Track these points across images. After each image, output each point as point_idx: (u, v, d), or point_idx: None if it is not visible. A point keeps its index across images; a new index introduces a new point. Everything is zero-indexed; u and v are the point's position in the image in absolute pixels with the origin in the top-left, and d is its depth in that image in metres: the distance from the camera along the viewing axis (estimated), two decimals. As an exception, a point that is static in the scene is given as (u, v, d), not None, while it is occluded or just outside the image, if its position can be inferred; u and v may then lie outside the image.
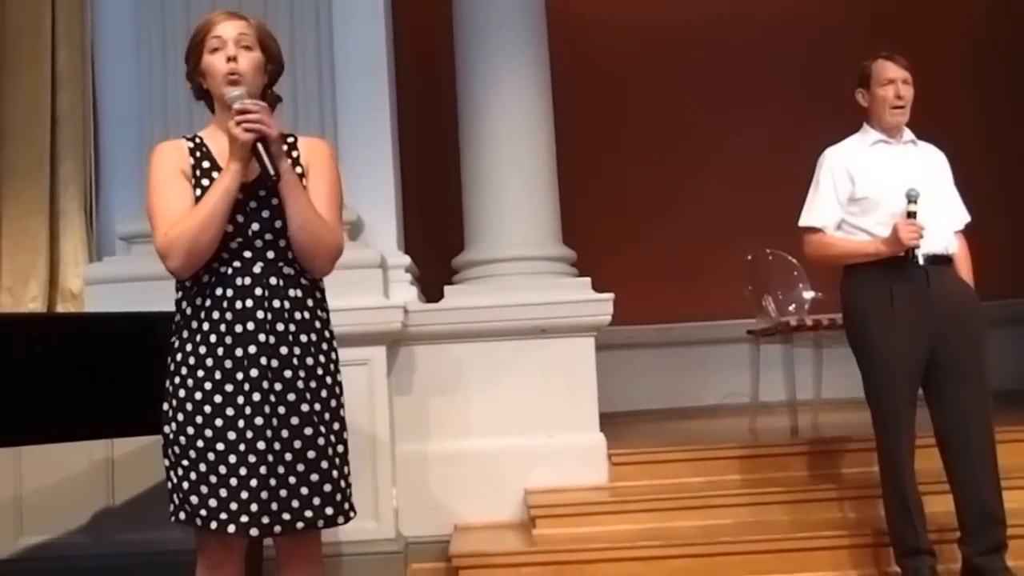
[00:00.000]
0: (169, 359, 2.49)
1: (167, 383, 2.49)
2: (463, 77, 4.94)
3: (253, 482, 2.37)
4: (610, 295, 4.50)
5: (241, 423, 2.39)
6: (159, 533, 4.06)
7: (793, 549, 3.84)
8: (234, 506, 2.36)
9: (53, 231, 4.70)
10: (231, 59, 2.47)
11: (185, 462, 2.41)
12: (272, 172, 2.39)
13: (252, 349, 2.42)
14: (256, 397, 2.40)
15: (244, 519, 2.36)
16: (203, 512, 2.38)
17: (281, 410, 2.42)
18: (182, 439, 2.42)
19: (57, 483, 4.35)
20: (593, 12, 7.02)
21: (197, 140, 2.58)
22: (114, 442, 4.24)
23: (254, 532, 2.38)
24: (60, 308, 4.66)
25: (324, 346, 2.54)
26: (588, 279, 4.66)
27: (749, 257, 5.66)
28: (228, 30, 2.50)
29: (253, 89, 2.50)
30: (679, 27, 7.06)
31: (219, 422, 2.39)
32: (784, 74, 7.04)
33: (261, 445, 2.39)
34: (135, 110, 4.59)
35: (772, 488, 4.21)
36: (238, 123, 2.38)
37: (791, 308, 5.49)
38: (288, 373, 2.44)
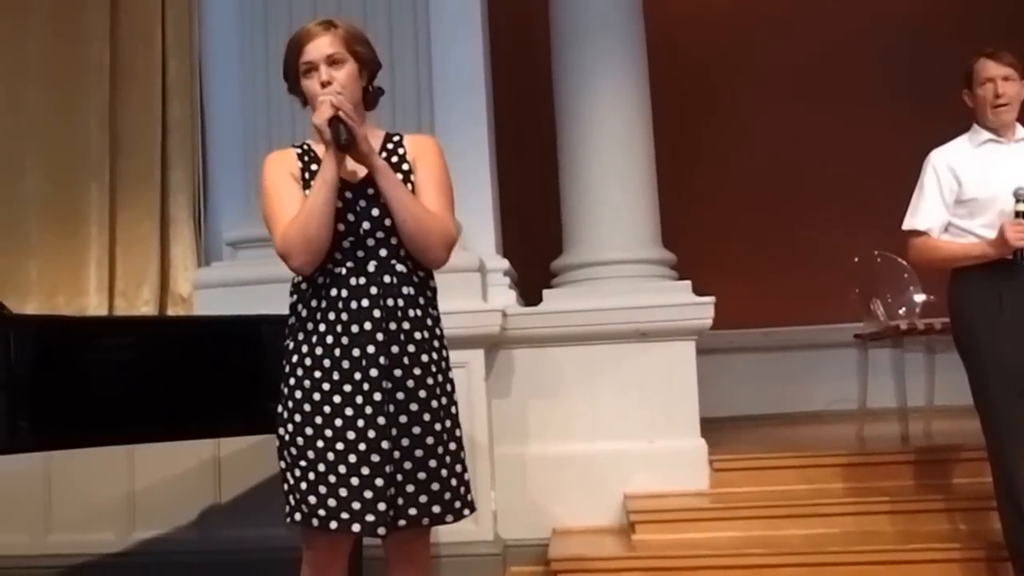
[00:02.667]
0: (284, 361, 2.52)
1: (282, 385, 2.51)
2: (560, 79, 4.94)
3: (378, 481, 2.38)
4: (711, 298, 4.44)
5: (361, 423, 2.40)
6: (263, 531, 4.16)
7: (902, 561, 3.72)
8: (356, 505, 2.38)
9: (164, 237, 4.85)
10: (324, 83, 2.49)
11: (303, 463, 2.43)
12: (343, 138, 2.41)
13: (371, 349, 2.43)
14: (377, 397, 2.42)
15: (369, 518, 2.37)
16: (321, 512, 2.40)
17: (392, 408, 2.43)
18: (299, 440, 2.44)
19: (168, 481, 4.48)
20: (691, 7, 6.95)
21: (305, 146, 2.62)
22: (221, 442, 4.35)
23: (382, 531, 2.39)
24: (170, 311, 4.81)
25: (436, 343, 2.55)
26: (688, 282, 4.61)
27: (856, 259, 5.52)
28: (315, 53, 2.52)
29: (353, 97, 2.52)
30: (782, 21, 6.94)
31: (338, 422, 2.41)
32: (893, 69, 6.86)
33: (385, 444, 2.40)
34: (240, 119, 4.71)
35: (880, 497, 4.10)
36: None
37: (901, 312, 5.34)
38: (399, 372, 2.45)
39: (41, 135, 4.93)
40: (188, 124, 4.86)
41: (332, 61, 2.52)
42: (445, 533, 4.01)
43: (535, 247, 5.07)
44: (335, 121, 2.42)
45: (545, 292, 4.69)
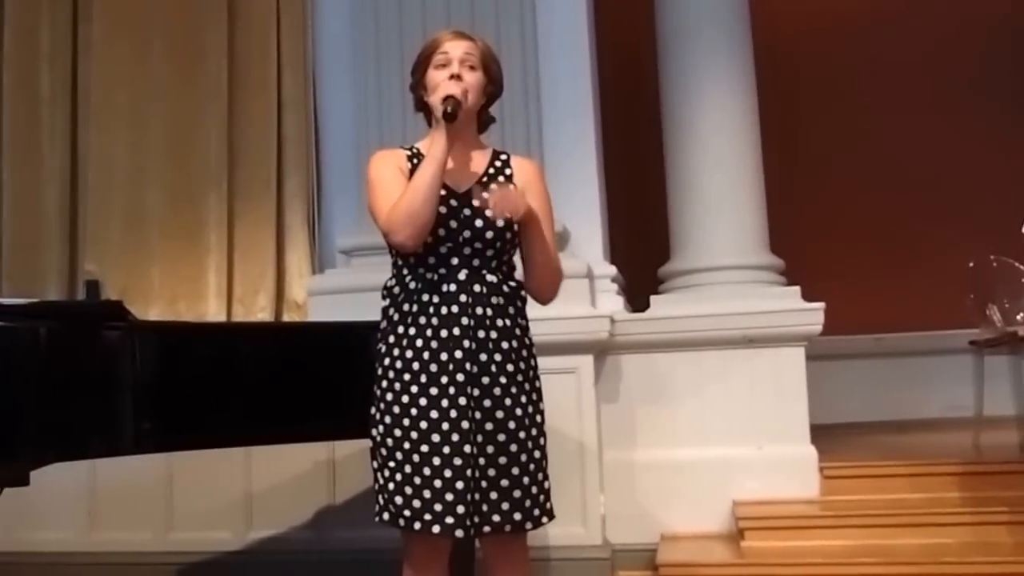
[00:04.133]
0: (376, 364, 2.58)
1: (375, 387, 2.57)
2: (666, 84, 4.94)
3: (459, 484, 2.42)
4: (820, 304, 4.38)
5: (446, 426, 2.45)
6: (376, 532, 4.19)
7: (1021, 574, 3.62)
8: (438, 508, 2.42)
9: (280, 245, 4.98)
10: (455, 76, 2.56)
11: (391, 464, 2.49)
12: (451, 108, 2.46)
13: (458, 354, 2.48)
14: (462, 401, 2.46)
15: (449, 520, 2.41)
16: (407, 513, 2.45)
17: (478, 415, 2.47)
18: (389, 441, 2.50)
19: (284, 482, 4.60)
20: (798, 10, 6.86)
21: (414, 149, 2.68)
22: (335, 444, 4.45)
23: (459, 533, 2.43)
24: (286, 317, 4.92)
25: (524, 353, 2.58)
26: (797, 288, 4.56)
27: (971, 264, 5.38)
28: (455, 49, 2.60)
29: (472, 107, 2.58)
30: (891, 22, 6.80)
31: (424, 425, 2.46)
32: (1007, 68, 6.66)
33: (468, 449, 2.44)
34: (352, 130, 4.81)
35: (997, 508, 3.98)
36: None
37: (1019, 317, 5.18)
38: (486, 379, 2.49)
39: (164, 148, 5.11)
40: (303, 135, 4.99)
41: (467, 64, 2.59)
42: (554, 537, 4.06)
43: (642, 253, 5.07)
44: (449, 99, 2.48)
45: (653, 298, 4.68)
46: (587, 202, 4.55)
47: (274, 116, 5.01)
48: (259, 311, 4.93)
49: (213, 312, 4.93)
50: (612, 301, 4.54)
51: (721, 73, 4.78)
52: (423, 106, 2.68)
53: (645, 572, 4.22)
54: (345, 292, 4.44)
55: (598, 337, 4.32)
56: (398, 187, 2.54)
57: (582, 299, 4.35)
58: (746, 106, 4.83)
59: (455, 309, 2.51)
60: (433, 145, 2.51)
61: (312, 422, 3.22)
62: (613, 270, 4.61)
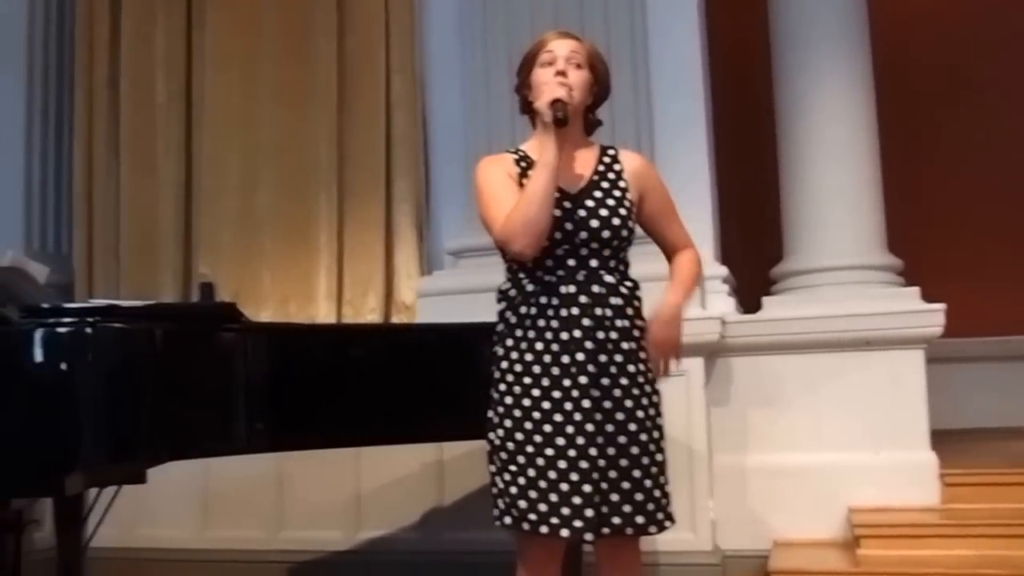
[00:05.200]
0: (493, 367, 2.57)
1: (492, 391, 2.55)
2: (779, 82, 4.82)
3: (586, 487, 2.40)
4: (941, 305, 4.23)
5: (570, 429, 2.42)
6: (484, 534, 4.21)
7: None
8: (566, 511, 2.39)
9: (389, 246, 5.02)
10: (560, 73, 2.53)
11: (513, 467, 2.46)
12: (560, 113, 2.44)
13: (580, 356, 2.45)
14: (586, 404, 2.43)
15: (577, 523, 2.39)
16: (532, 516, 2.42)
17: (599, 417, 2.44)
18: (509, 445, 2.48)
19: (392, 483, 4.63)
20: (921, 6, 6.63)
21: (520, 152, 2.66)
22: (444, 446, 4.46)
23: (589, 536, 2.40)
24: (395, 319, 4.96)
25: (642, 354, 2.54)
26: (916, 288, 4.40)
27: (1104, 264, 5.14)
28: (561, 47, 2.57)
29: (578, 105, 2.55)
30: (1016, 15, 6.52)
31: (547, 428, 2.44)
32: None
33: (593, 451, 2.41)
34: (461, 131, 4.83)
35: None
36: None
37: None
38: (606, 381, 2.46)
39: (274, 151, 5.20)
40: (411, 137, 5.03)
41: (574, 63, 2.56)
42: (663, 542, 3.99)
43: (754, 253, 4.96)
44: (557, 102, 2.46)
45: (765, 299, 4.58)
46: (697, 202, 4.47)
47: (383, 119, 5.06)
48: (368, 312, 4.98)
49: (323, 313, 5.00)
50: (723, 302, 4.45)
51: (837, 67, 4.65)
52: (529, 108, 2.65)
53: (757, 579, 4.15)
54: (453, 293, 4.47)
55: (708, 339, 4.25)
56: (509, 194, 2.52)
57: (692, 300, 4.26)
58: (863, 101, 4.68)
59: (575, 311, 2.48)
60: (544, 151, 2.47)
61: (421, 423, 3.23)
62: (724, 271, 4.52)
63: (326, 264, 5.05)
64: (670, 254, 2.70)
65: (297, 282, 5.11)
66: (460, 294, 4.38)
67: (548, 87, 2.50)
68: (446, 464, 4.55)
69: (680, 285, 2.64)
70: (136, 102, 5.46)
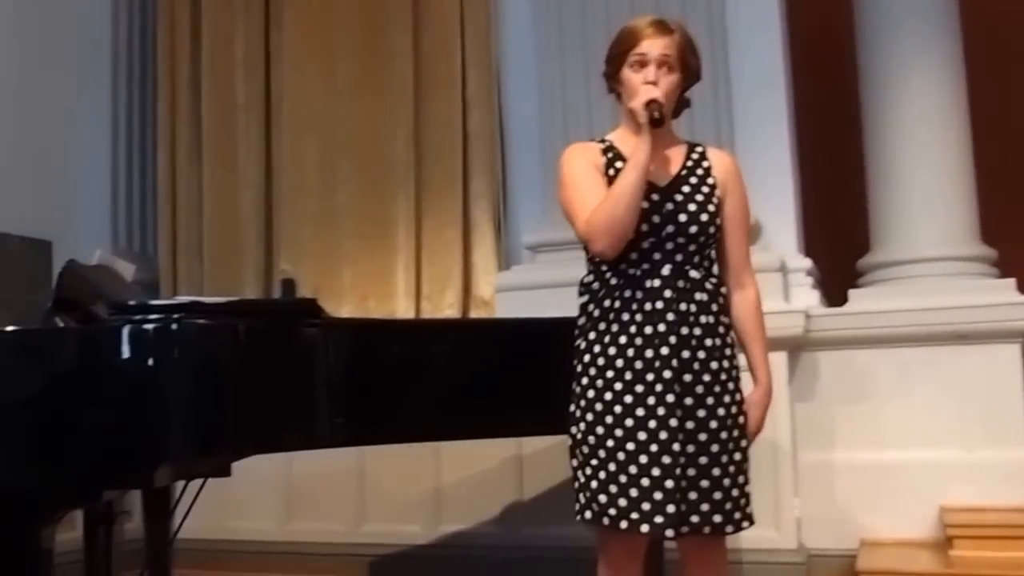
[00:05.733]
0: (575, 361, 2.54)
1: (574, 385, 2.53)
2: (865, 69, 4.70)
3: (668, 483, 2.36)
4: (1038, 297, 4.11)
5: (653, 424, 2.39)
6: (564, 529, 4.19)
7: None
8: (646, 506, 2.37)
9: (466, 242, 5.03)
10: (650, 83, 2.49)
11: (594, 462, 2.44)
12: (656, 114, 2.42)
13: (664, 351, 2.42)
14: (670, 399, 2.40)
15: (658, 520, 2.36)
16: (612, 512, 2.40)
17: (680, 413, 2.41)
18: (591, 439, 2.45)
19: (472, 477, 4.64)
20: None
21: (607, 142, 2.63)
22: (523, 441, 4.45)
23: (670, 533, 2.37)
24: (473, 314, 4.97)
25: (726, 351, 2.51)
26: (1012, 280, 4.27)
27: None
28: (653, 49, 2.51)
29: (668, 109, 2.51)
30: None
31: (629, 423, 2.41)
32: None
33: (676, 447, 2.38)
34: (537, 127, 4.82)
35: None
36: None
37: None
38: (688, 377, 2.43)
39: (353, 148, 5.25)
40: (488, 133, 5.03)
41: (664, 63, 2.51)
42: (747, 540, 3.90)
43: (839, 245, 4.84)
44: (653, 103, 2.43)
45: (851, 292, 4.48)
46: (780, 193, 4.40)
47: (459, 115, 5.07)
48: (447, 308, 4.99)
49: (401, 309, 5.03)
50: (807, 295, 4.36)
51: (926, 53, 4.52)
52: (616, 90, 2.62)
53: (843, 579, 4.06)
54: (532, 288, 4.45)
55: (792, 333, 4.17)
56: (594, 186, 2.50)
57: (775, 293, 4.19)
58: (954, 89, 4.55)
59: (659, 305, 2.45)
60: (636, 151, 2.44)
61: (500, 418, 3.21)
62: (808, 263, 4.43)
63: (404, 260, 5.08)
64: (724, 267, 2.61)
65: (376, 278, 5.15)
66: (538, 289, 4.36)
67: (643, 89, 2.47)
68: (525, 459, 4.54)
69: (766, 357, 2.61)
70: (217, 103, 5.55)
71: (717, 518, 2.42)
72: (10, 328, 2.45)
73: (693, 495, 2.40)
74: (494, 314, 4.80)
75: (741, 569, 4.04)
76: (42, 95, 5.34)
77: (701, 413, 2.43)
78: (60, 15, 5.50)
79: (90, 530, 3.08)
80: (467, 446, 3.99)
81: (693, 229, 2.49)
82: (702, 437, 2.42)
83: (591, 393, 2.48)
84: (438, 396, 3.06)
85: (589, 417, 2.47)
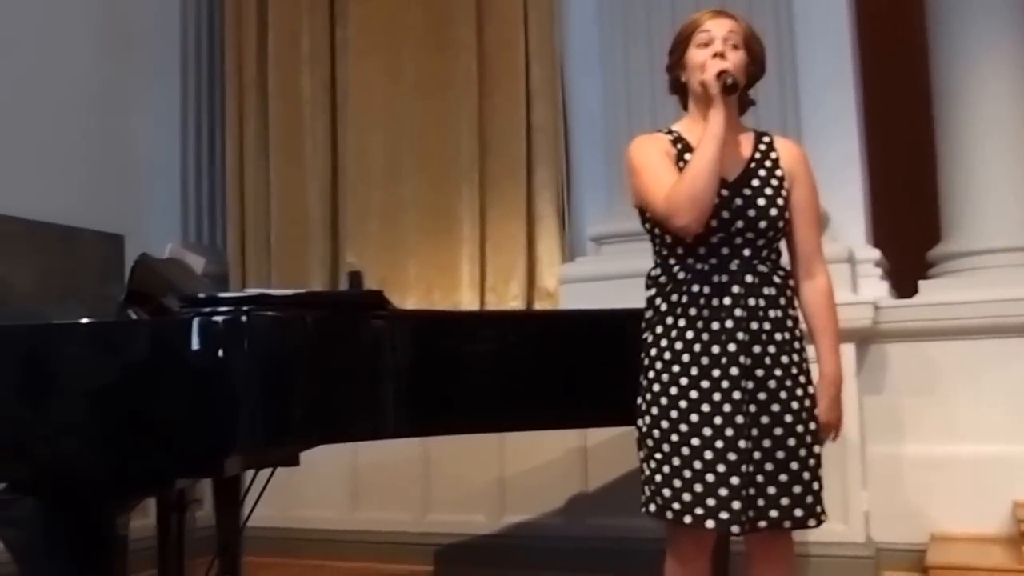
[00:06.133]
0: (642, 355, 2.54)
1: (641, 378, 2.53)
2: (937, 57, 4.60)
3: (734, 480, 2.35)
4: (1116, 288, 4.00)
5: (719, 420, 2.38)
6: (629, 521, 4.18)
7: None
8: (711, 502, 2.36)
9: (530, 234, 5.03)
10: (718, 55, 2.48)
11: (658, 456, 2.44)
12: (730, 81, 2.41)
13: (731, 347, 2.41)
14: (736, 395, 2.39)
15: (724, 515, 2.35)
16: (676, 506, 2.40)
17: (752, 408, 2.40)
18: (656, 433, 2.45)
19: (537, 468, 4.65)
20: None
21: (674, 133, 2.61)
22: (588, 432, 4.45)
23: (735, 529, 2.36)
24: (537, 305, 4.97)
25: (796, 345, 2.49)
26: (1088, 270, 4.17)
27: None
28: (718, 28, 2.51)
29: (739, 79, 2.49)
30: None
31: (695, 418, 2.40)
32: None
33: (743, 443, 2.37)
34: (601, 118, 4.80)
35: None
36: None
37: None
38: (760, 372, 2.41)
39: (417, 141, 5.27)
40: (551, 125, 5.02)
41: (731, 44, 2.50)
42: (814, 533, 3.86)
43: (909, 235, 4.76)
44: (724, 72, 2.42)
45: (921, 283, 4.40)
46: (848, 182, 4.33)
47: (523, 107, 5.07)
48: (511, 300, 5.00)
49: (466, 301, 5.05)
50: (876, 287, 4.30)
51: (999, 43, 4.40)
52: (679, 88, 2.61)
53: (913, 573, 3.98)
54: (596, 280, 4.44)
55: (860, 325, 4.11)
56: (669, 169, 2.49)
57: (843, 285, 4.12)
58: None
59: (727, 300, 2.43)
60: (711, 123, 2.43)
61: (565, 409, 3.21)
62: (877, 254, 4.36)
63: (469, 253, 5.10)
64: (795, 257, 2.59)
65: (441, 271, 5.18)
66: (603, 280, 4.35)
67: (711, 62, 2.45)
68: (590, 450, 4.54)
69: (832, 347, 2.56)
70: (283, 98, 5.61)
71: (798, 512, 2.41)
72: (85, 321, 2.50)
73: (772, 490, 2.39)
74: (558, 306, 4.81)
75: (808, 563, 4.00)
76: (114, 94, 5.45)
77: (775, 408, 2.41)
78: (130, 15, 5.61)
79: (163, 517, 3.15)
80: (531, 437, 4.00)
81: (762, 224, 2.47)
82: (777, 432, 2.41)
83: (657, 387, 2.47)
84: (502, 387, 3.07)
85: (655, 411, 2.46)
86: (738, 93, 2.47)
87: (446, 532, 4.83)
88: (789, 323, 2.49)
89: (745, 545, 2.55)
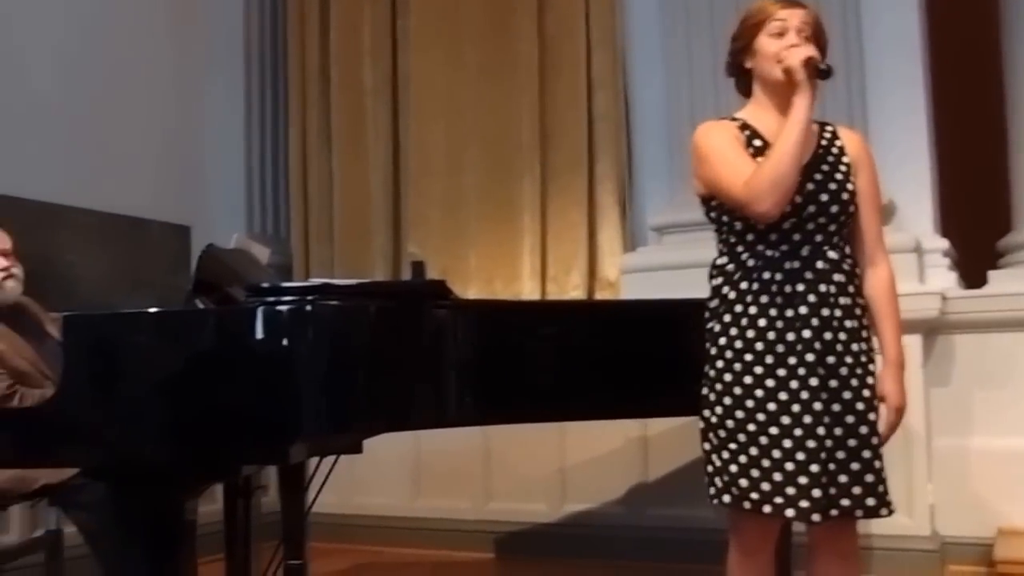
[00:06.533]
0: (708, 345, 2.51)
1: (708, 368, 2.50)
2: (1009, 43, 4.50)
3: (814, 467, 2.33)
4: None
5: (796, 408, 2.36)
6: (689, 511, 4.21)
7: None
8: (791, 491, 2.33)
9: (591, 224, 5.03)
10: (794, 47, 2.44)
11: (732, 446, 2.41)
12: (823, 66, 2.38)
13: (806, 333, 2.38)
14: (813, 382, 2.36)
15: (804, 504, 2.32)
16: (754, 496, 2.37)
17: (824, 396, 2.37)
18: (728, 423, 2.42)
19: (596, 458, 4.66)
20: None
21: (739, 120, 2.58)
22: (648, 422, 4.44)
23: (816, 518, 2.33)
24: (598, 295, 4.97)
25: (864, 333, 2.46)
26: None
27: None
28: (792, 17, 2.48)
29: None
30: None
31: (772, 407, 2.37)
32: None
33: (821, 431, 2.35)
34: (664, 107, 4.78)
35: None
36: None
37: None
38: (831, 359, 2.39)
39: (479, 131, 5.29)
40: (613, 114, 5.00)
41: (803, 35, 2.47)
42: (877, 525, 3.80)
43: (979, 225, 4.66)
44: (810, 60, 2.39)
45: (990, 273, 4.31)
46: (915, 172, 4.26)
47: (584, 97, 5.06)
48: (572, 289, 5.00)
49: (527, 291, 5.06)
50: (943, 277, 4.23)
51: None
52: (741, 72, 2.58)
53: (979, 568, 3.93)
54: (657, 270, 4.43)
55: (927, 315, 4.05)
56: (743, 157, 2.46)
57: (909, 275, 4.06)
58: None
59: (800, 287, 2.41)
60: (796, 109, 2.38)
61: (625, 399, 3.20)
62: (945, 244, 4.29)
63: (530, 243, 5.11)
64: (857, 246, 2.54)
65: (502, 260, 5.19)
66: (664, 270, 4.34)
67: (795, 49, 2.42)
68: (650, 440, 4.54)
69: (896, 333, 2.52)
70: (345, 89, 5.66)
71: (870, 501, 2.38)
72: (153, 310, 2.55)
73: (843, 478, 2.36)
74: (619, 295, 4.80)
75: (872, 555, 3.96)
76: (179, 88, 5.55)
77: (847, 395, 2.39)
78: (195, 8, 5.70)
79: (230, 503, 3.19)
80: (592, 427, 4.01)
81: (834, 209, 2.44)
82: (849, 419, 2.38)
83: (728, 377, 2.44)
84: (563, 377, 3.06)
85: (727, 401, 2.43)
86: (831, 77, 2.41)
87: (506, 520, 4.86)
88: (857, 311, 2.46)
89: (808, 537, 2.52)
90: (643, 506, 4.57)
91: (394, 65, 5.61)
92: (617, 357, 3.14)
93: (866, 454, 2.38)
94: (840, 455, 2.36)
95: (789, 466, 2.34)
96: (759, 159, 2.44)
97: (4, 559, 3.10)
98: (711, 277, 2.56)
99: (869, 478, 2.38)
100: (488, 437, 4.83)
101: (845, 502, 2.36)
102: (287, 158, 5.87)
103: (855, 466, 2.37)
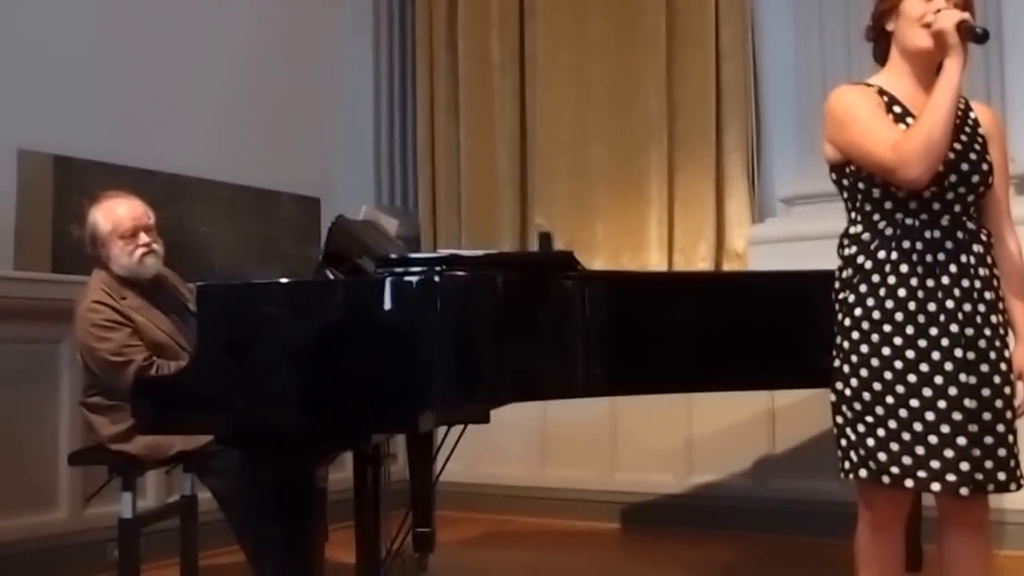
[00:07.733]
0: (841, 316, 2.45)
1: (841, 340, 2.44)
2: None
3: (960, 440, 2.28)
4: None
5: (940, 380, 2.30)
6: (816, 484, 4.16)
7: None
8: (936, 464, 2.28)
9: (719, 195, 4.98)
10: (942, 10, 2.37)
11: (869, 419, 2.36)
12: (980, 30, 2.30)
13: (949, 304, 2.32)
14: (958, 353, 2.30)
15: (951, 477, 2.28)
16: (894, 470, 2.32)
17: (965, 367, 2.31)
18: (865, 395, 2.37)
19: (723, 429, 4.63)
20: None
21: (874, 86, 2.50)
22: (775, 394, 4.40)
23: (964, 491, 2.28)
24: (726, 267, 4.93)
25: (1000, 305, 2.39)
26: None
27: None
28: None
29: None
30: None
31: (912, 378, 2.32)
32: None
33: (968, 402, 2.29)
34: (793, 78, 4.71)
35: None
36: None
37: None
38: (971, 331, 2.32)
39: (605, 103, 5.27)
40: (741, 85, 4.93)
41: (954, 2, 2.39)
42: (1011, 501, 3.72)
43: None
44: (963, 23, 2.31)
45: None
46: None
47: (712, 68, 4.99)
48: (699, 261, 4.97)
49: (655, 262, 5.04)
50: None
51: None
52: (882, 36, 2.51)
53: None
54: (785, 241, 4.38)
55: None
56: (886, 121, 2.39)
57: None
58: None
59: (941, 257, 2.35)
60: (948, 72, 2.31)
61: (752, 371, 3.17)
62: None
63: (657, 214, 5.09)
64: (985, 218, 2.47)
65: (629, 232, 5.18)
66: (792, 241, 4.28)
67: (943, 14, 2.33)
68: (777, 412, 4.49)
69: None
70: (473, 61, 5.69)
71: (1002, 475, 2.31)
72: (284, 280, 2.63)
73: (977, 452, 2.30)
74: (747, 267, 4.75)
75: (1004, 530, 3.85)
76: (309, 61, 5.59)
77: (984, 368, 2.32)
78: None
79: (359, 471, 3.24)
80: (719, 398, 3.98)
81: (976, 178, 2.37)
82: (985, 392, 2.32)
83: (864, 348, 2.38)
84: (691, 348, 3.05)
85: (863, 373, 2.37)
86: (988, 40, 2.34)
87: (633, 491, 4.88)
88: (995, 282, 2.39)
89: (939, 511, 2.46)
90: (769, 478, 4.53)
91: (521, 37, 5.61)
92: (745, 329, 3.12)
93: (1000, 428, 2.31)
94: (973, 428, 2.30)
95: (932, 439, 2.28)
96: (900, 126, 2.39)
97: (141, 523, 3.24)
98: (842, 247, 2.50)
99: (1001, 452, 2.31)
100: (615, 407, 4.84)
101: (978, 476, 2.30)
102: (415, 130, 5.94)
103: (988, 440, 2.31)
